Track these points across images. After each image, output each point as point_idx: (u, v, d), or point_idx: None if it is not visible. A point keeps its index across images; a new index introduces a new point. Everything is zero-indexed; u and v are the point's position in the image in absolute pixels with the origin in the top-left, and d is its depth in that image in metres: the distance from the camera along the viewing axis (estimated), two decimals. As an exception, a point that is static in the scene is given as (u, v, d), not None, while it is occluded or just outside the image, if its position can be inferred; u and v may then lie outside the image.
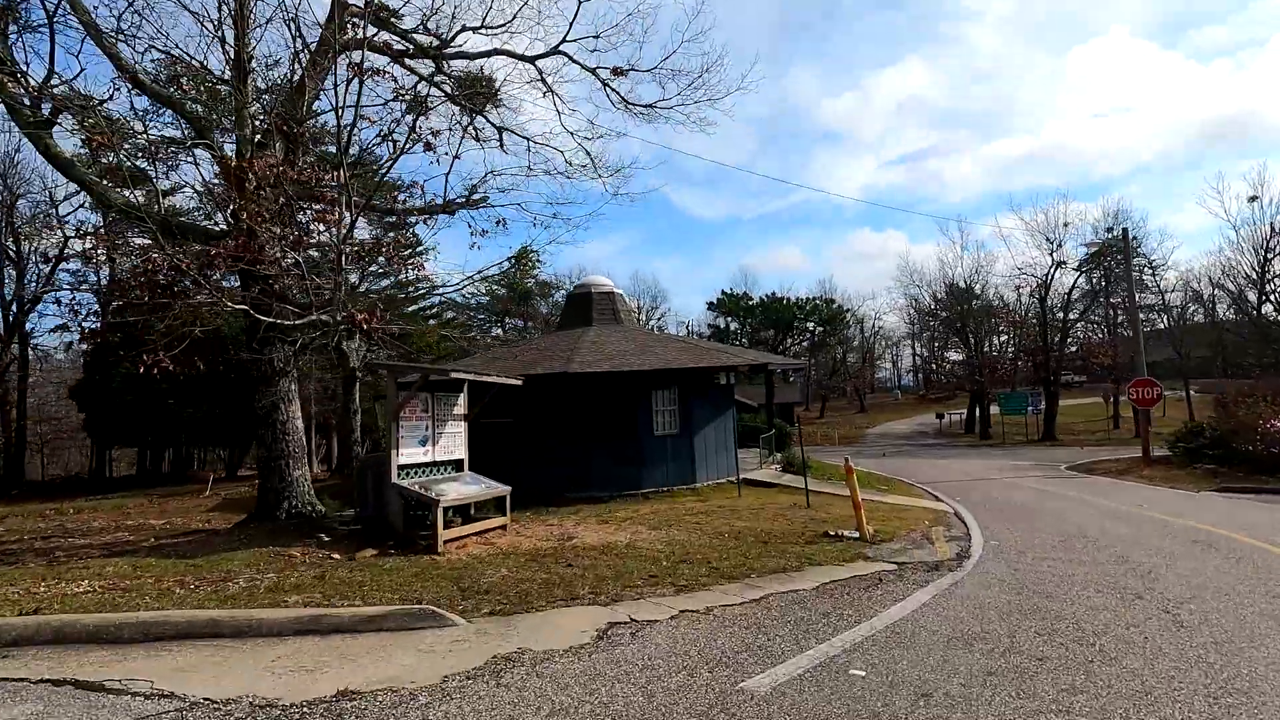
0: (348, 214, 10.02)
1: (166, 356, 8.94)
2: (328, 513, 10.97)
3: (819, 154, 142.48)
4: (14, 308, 34.77)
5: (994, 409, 46.29)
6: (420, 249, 32.80)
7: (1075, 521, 11.65)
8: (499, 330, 54.00)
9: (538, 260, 11.40)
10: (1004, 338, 52.30)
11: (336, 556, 8.77)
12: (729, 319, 57.64)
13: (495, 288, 56.09)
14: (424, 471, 10.34)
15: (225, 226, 10.45)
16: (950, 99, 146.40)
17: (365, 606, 5.73)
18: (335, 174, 10.40)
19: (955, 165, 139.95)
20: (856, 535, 10.02)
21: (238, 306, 9.31)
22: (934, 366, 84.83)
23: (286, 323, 10.15)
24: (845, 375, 67.63)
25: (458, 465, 11.03)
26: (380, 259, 10.44)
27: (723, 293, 57.89)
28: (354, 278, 30.65)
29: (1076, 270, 42.00)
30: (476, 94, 12.95)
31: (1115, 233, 37.77)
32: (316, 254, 10.46)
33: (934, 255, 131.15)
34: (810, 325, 58.07)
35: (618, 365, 15.72)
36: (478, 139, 14.44)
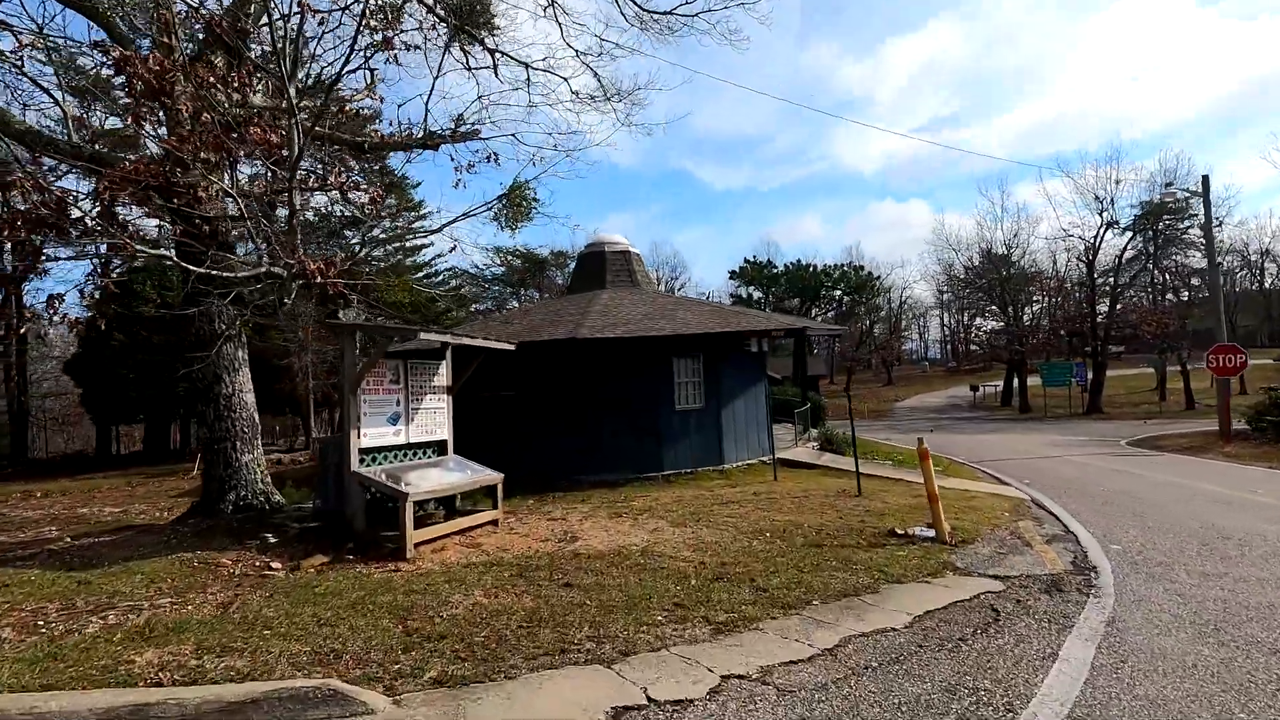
0: (297, 137, 8.01)
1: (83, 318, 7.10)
2: (286, 505, 9.17)
3: (839, 121, 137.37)
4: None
5: (1032, 381, 43.69)
6: (420, 209, 30.95)
7: (1191, 514, 9.49)
8: (515, 304, 52.12)
9: (534, 200, 9.36)
10: (1039, 306, 49.48)
11: (276, 566, 6.93)
12: (752, 288, 55.09)
13: (511, 259, 54.23)
14: (396, 456, 8.44)
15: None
16: (975, 63, 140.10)
17: (234, 685, 3.75)
18: (282, 94, 8.36)
19: (981, 131, 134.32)
20: (931, 535, 7.99)
21: (152, 252, 7.39)
22: (965, 337, 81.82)
23: (224, 274, 8.23)
24: (872, 346, 65.03)
25: (439, 448, 9.13)
26: (348, 196, 8.45)
27: (746, 260, 55.31)
28: (353, 240, 28.78)
29: (1129, 230, 38.91)
30: (464, 5, 10.77)
31: (1178, 185, 34.62)
32: (260, 188, 8.47)
33: (966, 221, 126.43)
34: (838, 293, 55.35)
35: (634, 331, 13.69)
36: (467, 66, 12.29)
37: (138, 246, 7.17)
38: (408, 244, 30.66)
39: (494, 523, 8.81)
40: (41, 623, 4.82)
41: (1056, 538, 8.25)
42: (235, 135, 7.46)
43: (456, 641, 4.42)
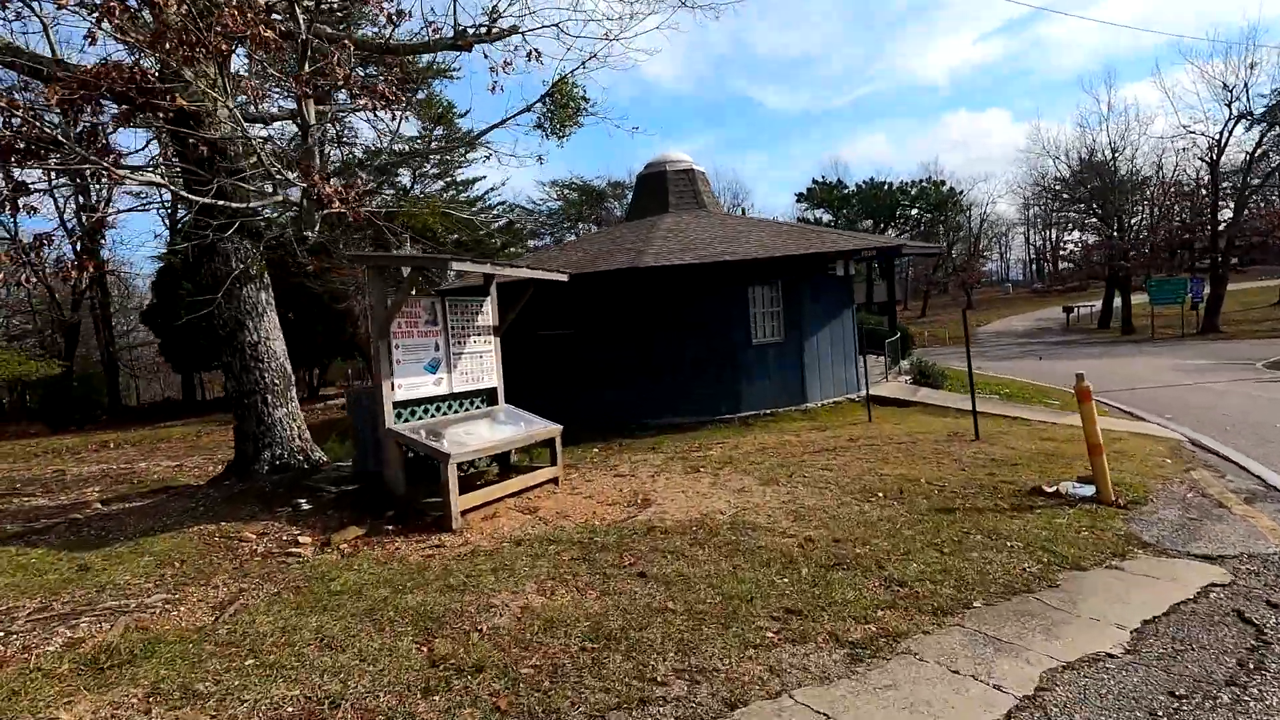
0: (300, 28, 6.66)
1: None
2: (328, 462, 8.29)
3: (906, 31, 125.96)
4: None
5: (1136, 299, 39.71)
6: (467, 138, 29.45)
7: None
8: (572, 238, 50.61)
9: (583, 100, 7.79)
10: (1145, 217, 44.44)
11: (304, 542, 5.98)
12: (821, 211, 51.56)
13: (567, 192, 52.39)
14: (437, 409, 7.33)
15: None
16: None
17: None
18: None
19: (1063, 31, 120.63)
20: (1089, 493, 6.38)
21: (138, 178, 6.29)
22: (1054, 254, 75.76)
23: (229, 204, 7.10)
24: (950, 268, 60.84)
25: (488, 397, 7.98)
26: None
27: (814, 181, 51.70)
28: (405, 179, 27.66)
29: (1262, 122, 33.75)
30: None
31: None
32: (254, 94, 7.18)
33: (1062, 127, 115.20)
34: (914, 212, 51.29)
35: (703, 256, 12.10)
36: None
37: (120, 171, 6.05)
38: (459, 178, 29.37)
39: (554, 481, 7.68)
40: (1, 633, 3.93)
41: (1257, 495, 6.50)
42: (220, 29, 6.12)
43: (496, 677, 3.24)
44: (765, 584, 4.36)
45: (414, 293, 6.88)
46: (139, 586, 4.78)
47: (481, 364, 7.85)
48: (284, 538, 6.09)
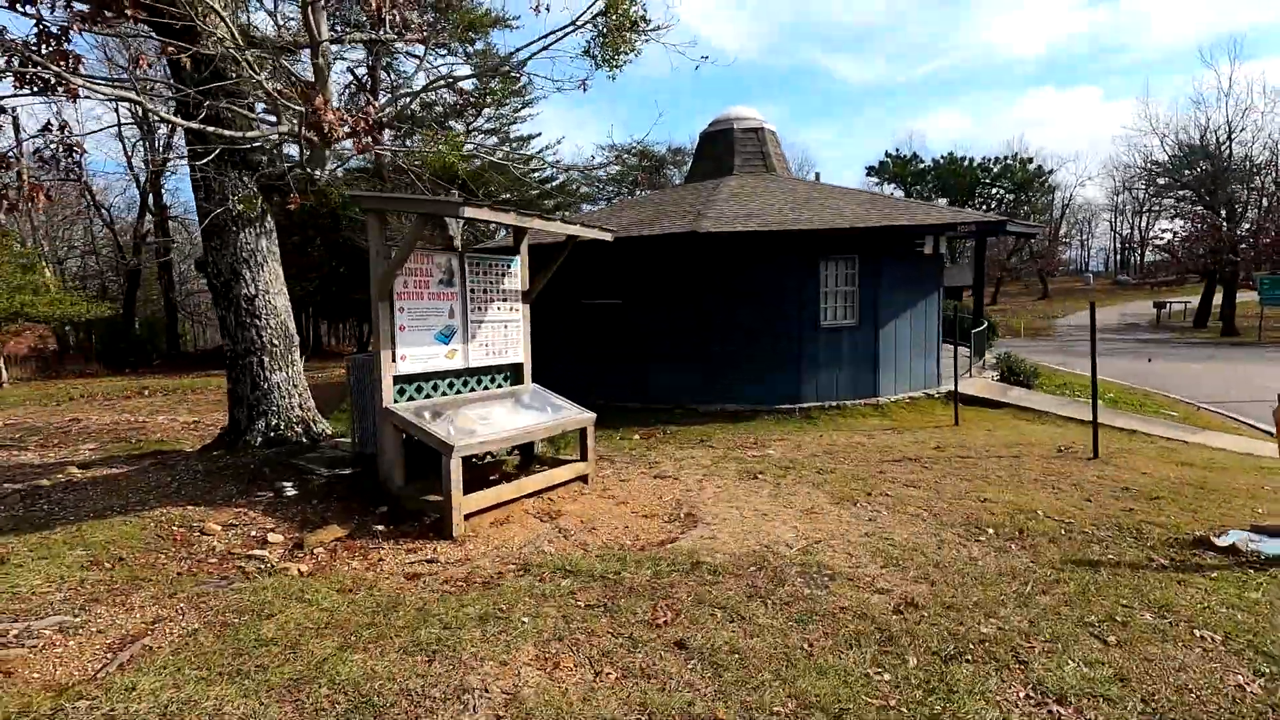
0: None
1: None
2: (330, 436, 7.28)
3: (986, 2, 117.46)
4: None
5: (1241, 297, 36.03)
6: (524, 94, 28.11)
7: None
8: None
9: (642, 19, 6.36)
10: (1258, 207, 40.11)
11: (274, 540, 4.95)
12: (893, 186, 48.45)
13: (625, 156, 50.65)
14: (450, 386, 6.18)
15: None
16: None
17: None
18: None
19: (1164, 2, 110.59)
20: None
21: (106, 91, 5.22)
22: (1141, 245, 70.41)
23: (222, 131, 6.02)
24: (1028, 253, 56.91)
25: (511, 374, 6.79)
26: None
27: (887, 154, 48.58)
28: (458, 127, 26.51)
29: None
30: None
31: None
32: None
33: (1160, 107, 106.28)
34: (997, 191, 47.73)
35: (769, 224, 10.61)
36: None
37: (81, 83, 4.98)
38: (511, 134, 28.15)
39: (583, 479, 6.48)
40: None
41: None
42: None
43: None
44: (857, 682, 3.05)
45: (423, 246, 5.68)
46: (42, 600, 3.77)
47: (506, 335, 6.64)
48: (252, 533, 5.06)
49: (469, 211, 4.85)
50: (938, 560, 4.57)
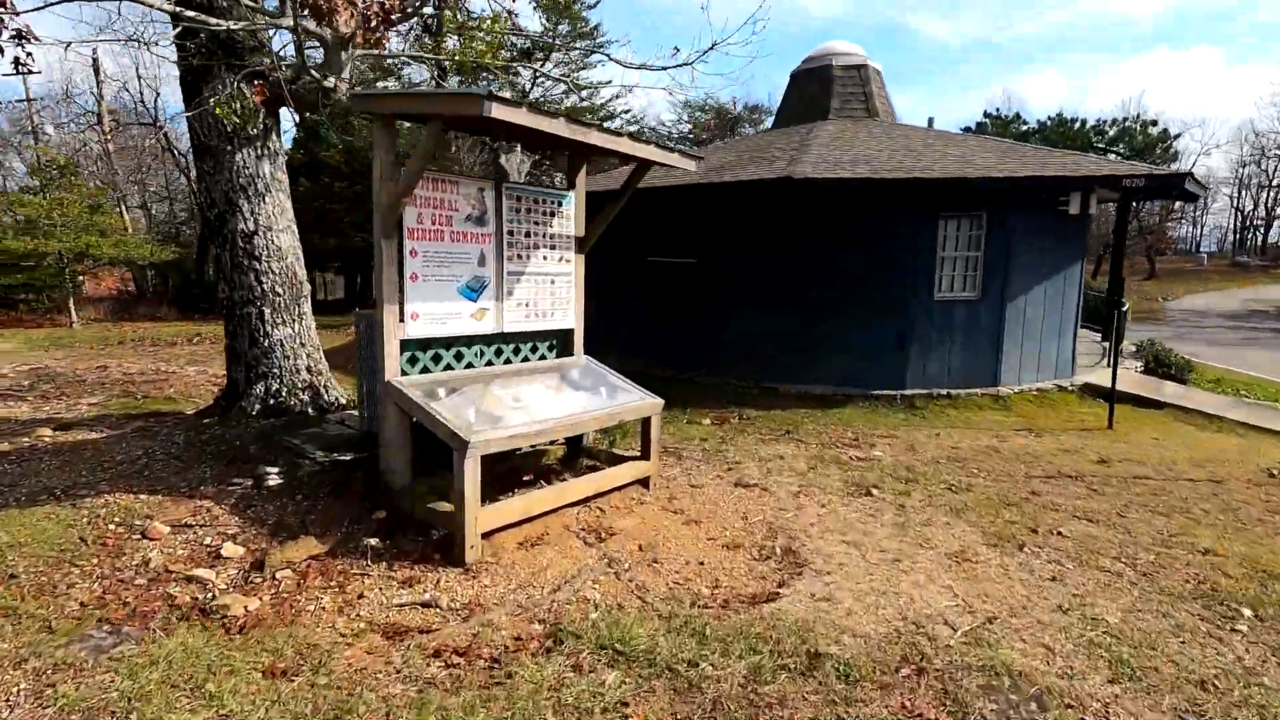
0: None
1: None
2: (340, 405, 6.05)
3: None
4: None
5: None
6: (595, 35, 26.27)
7: None
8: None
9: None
10: None
11: (230, 554, 3.69)
12: (990, 148, 44.28)
13: (699, 114, 48.10)
14: (478, 354, 4.78)
15: None
16: None
17: None
18: None
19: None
20: None
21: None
22: (1265, 224, 63.35)
23: (209, 22, 4.71)
24: (1135, 229, 51.69)
25: (558, 343, 5.35)
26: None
27: (986, 115, 44.35)
28: (524, 75, 24.99)
29: None
30: None
31: None
32: None
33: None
34: (1113, 156, 43.09)
35: (879, 171, 8.73)
36: None
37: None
38: (579, 81, 26.41)
39: (644, 483, 5.02)
40: None
41: None
42: None
43: None
44: None
45: (445, 172, 4.24)
46: None
47: (553, 292, 5.18)
48: (206, 540, 3.82)
49: (498, 110, 3.34)
50: (1192, 669, 2.91)
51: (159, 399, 7.54)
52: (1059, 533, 4.45)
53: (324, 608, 3.24)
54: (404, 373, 4.34)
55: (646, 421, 4.99)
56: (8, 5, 4.44)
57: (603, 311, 12.06)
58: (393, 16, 4.62)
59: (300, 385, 5.95)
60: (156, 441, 5.36)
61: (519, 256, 4.90)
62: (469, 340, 4.71)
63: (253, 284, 5.71)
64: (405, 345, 4.33)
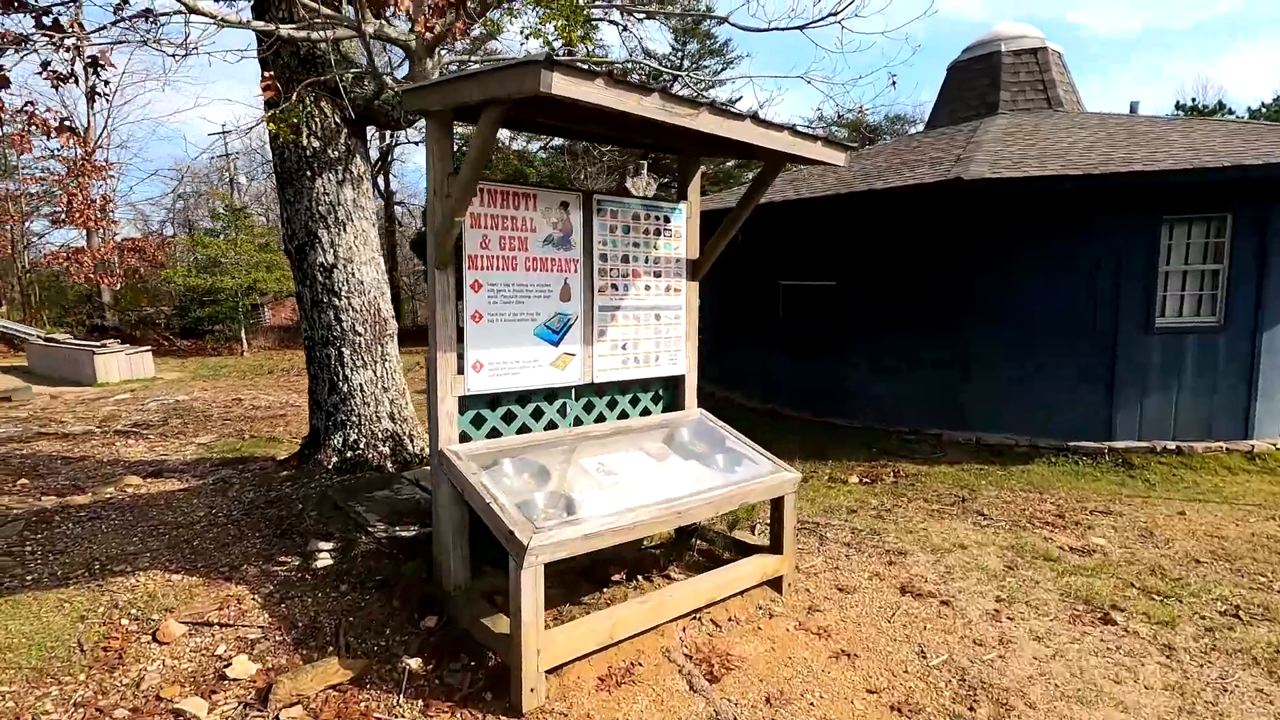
0: None
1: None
2: (420, 458, 5.32)
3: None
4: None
5: None
6: (724, 53, 25.26)
7: None
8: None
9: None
10: None
11: (236, 675, 2.90)
12: (1184, 145, 38.20)
13: (834, 129, 45.78)
14: (558, 409, 3.80)
15: None
16: None
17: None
18: None
19: None
20: None
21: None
22: None
23: (279, 29, 4.19)
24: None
25: (663, 392, 4.26)
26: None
27: (1178, 106, 38.61)
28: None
29: None
30: None
31: None
32: None
33: None
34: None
35: (1075, 166, 6.94)
36: None
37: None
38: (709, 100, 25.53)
39: (774, 585, 3.78)
40: None
41: None
42: None
43: None
44: None
45: (514, 183, 3.33)
46: None
47: (658, 330, 4.11)
48: (220, 651, 3.07)
49: (562, 82, 2.34)
50: None
51: (264, 439, 7.30)
52: None
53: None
54: (465, 437, 3.44)
55: (779, 503, 3.75)
56: (73, 30, 4.11)
57: (720, 341, 10.89)
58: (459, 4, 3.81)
59: (381, 436, 5.28)
60: (228, 498, 4.86)
61: (614, 287, 3.89)
62: (551, 393, 3.74)
63: (331, 322, 5.14)
64: (467, 402, 3.43)
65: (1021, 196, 7.13)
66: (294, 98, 4.34)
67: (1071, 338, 7.29)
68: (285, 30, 4.22)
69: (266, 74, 4.52)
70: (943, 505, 5.54)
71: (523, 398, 3.66)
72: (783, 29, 4.42)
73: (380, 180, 36.52)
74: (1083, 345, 7.28)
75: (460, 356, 3.34)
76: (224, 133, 27.88)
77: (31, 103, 4.72)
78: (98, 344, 14.76)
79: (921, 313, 7.96)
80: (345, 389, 5.19)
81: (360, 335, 5.21)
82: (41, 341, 15.99)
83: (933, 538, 4.68)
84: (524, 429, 3.67)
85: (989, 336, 7.59)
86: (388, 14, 3.90)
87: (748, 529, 4.39)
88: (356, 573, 3.70)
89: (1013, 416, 7.52)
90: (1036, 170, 6.82)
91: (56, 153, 21.47)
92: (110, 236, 24.37)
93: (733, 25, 4.76)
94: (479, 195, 3.32)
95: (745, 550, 3.95)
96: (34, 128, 4.85)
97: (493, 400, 3.55)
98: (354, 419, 5.21)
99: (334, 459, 5.15)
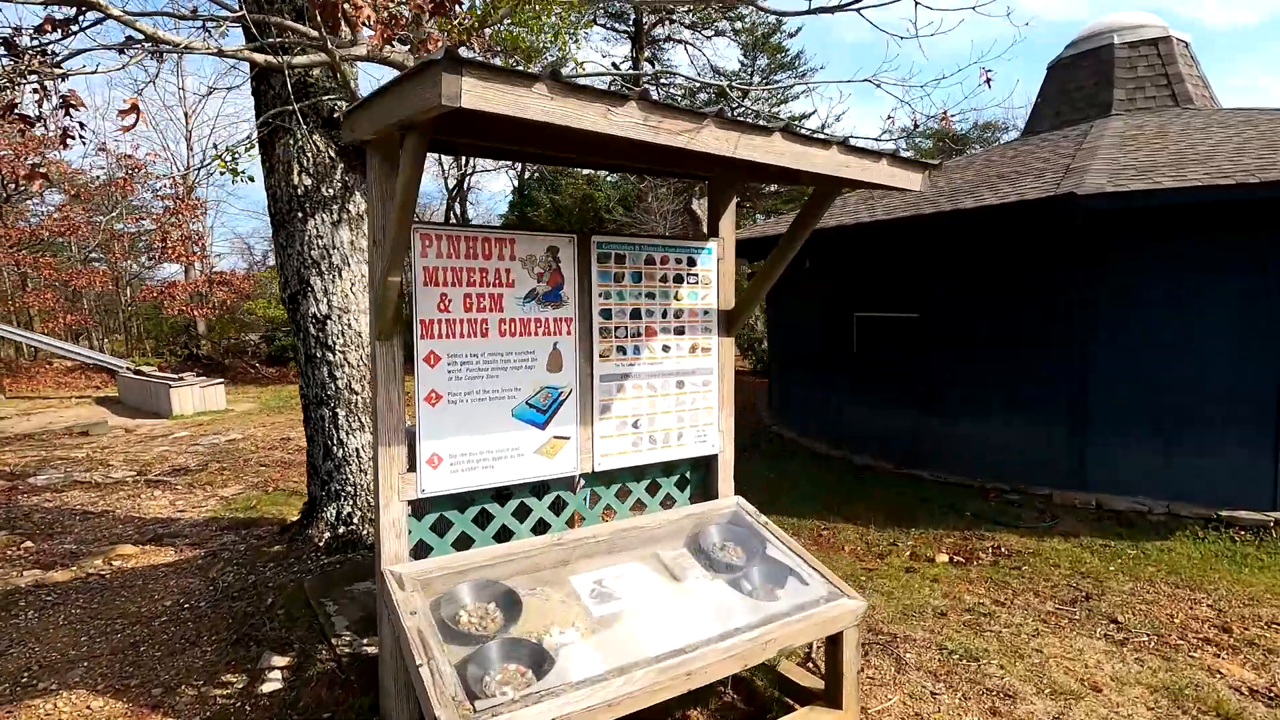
0: None
1: None
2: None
3: None
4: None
5: None
6: (797, 65, 24.18)
7: None
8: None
9: None
10: None
11: None
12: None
13: (916, 140, 43.58)
14: (549, 506, 3.00)
15: None
16: None
17: None
18: None
19: None
20: None
21: None
22: None
23: (260, 57, 3.69)
24: None
25: (690, 475, 3.40)
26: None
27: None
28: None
29: None
30: None
31: None
32: None
33: None
34: None
35: (1224, 174, 5.62)
36: None
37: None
38: (781, 115, 24.52)
39: (827, 749, 2.83)
40: None
41: None
42: None
43: None
44: None
45: (502, 230, 2.69)
46: None
47: (680, 400, 3.27)
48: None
49: (474, 91, 1.57)
50: None
51: (285, 493, 6.87)
52: None
53: None
54: (425, 548, 2.70)
55: (837, 640, 2.81)
56: (45, 65, 3.72)
57: (786, 375, 9.83)
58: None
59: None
60: (207, 579, 4.34)
61: (620, 350, 3.08)
62: (534, 487, 2.96)
63: (325, 380, 4.57)
64: (426, 505, 2.70)
65: (1145, 211, 5.87)
66: (268, 132, 3.80)
67: (1218, 379, 5.92)
68: (261, 59, 3.68)
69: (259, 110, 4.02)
70: (1060, 604, 4.37)
71: (502, 493, 2.89)
72: (830, 10, 3.52)
73: (457, 207, 37.29)
74: (1232, 388, 5.89)
75: (411, 449, 2.61)
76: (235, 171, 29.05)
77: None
78: (175, 377, 15.19)
79: (1020, 348, 6.74)
80: (340, 454, 4.59)
81: (356, 394, 4.61)
82: (130, 374, 16.67)
83: (1051, 669, 3.57)
84: (505, 533, 2.90)
85: (1108, 373, 6.30)
86: (357, 29, 3.30)
87: (799, 657, 3.44)
88: (305, 704, 3.01)
89: (1139, 475, 6.18)
90: (1171, 181, 5.56)
91: (157, 192, 22.86)
92: (206, 270, 25.73)
93: (760, 9, 3.91)
94: (433, 243, 2.60)
95: (791, 692, 3.01)
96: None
97: (462, 500, 2.80)
98: (349, 489, 4.60)
99: (325, 535, 4.55)
